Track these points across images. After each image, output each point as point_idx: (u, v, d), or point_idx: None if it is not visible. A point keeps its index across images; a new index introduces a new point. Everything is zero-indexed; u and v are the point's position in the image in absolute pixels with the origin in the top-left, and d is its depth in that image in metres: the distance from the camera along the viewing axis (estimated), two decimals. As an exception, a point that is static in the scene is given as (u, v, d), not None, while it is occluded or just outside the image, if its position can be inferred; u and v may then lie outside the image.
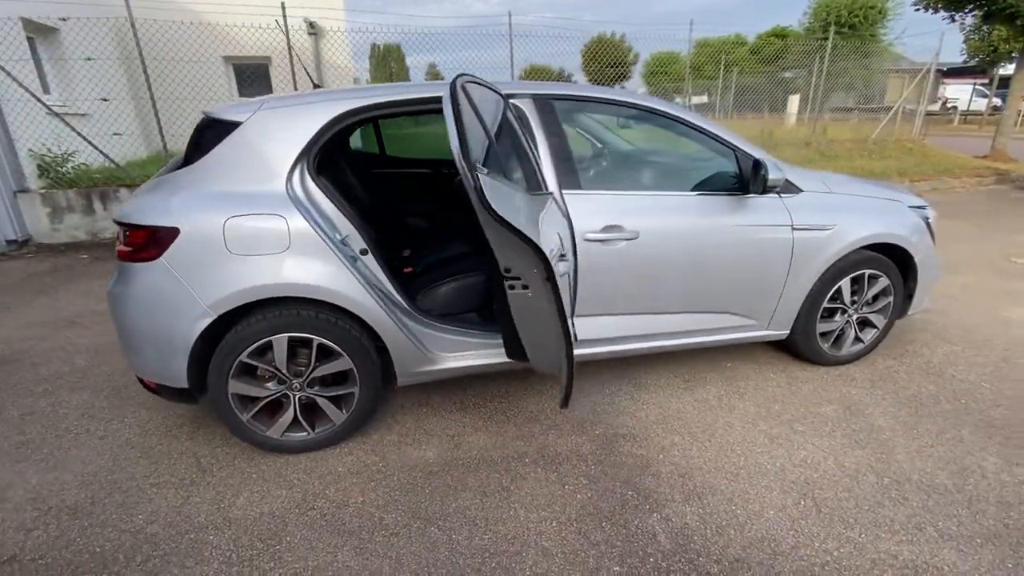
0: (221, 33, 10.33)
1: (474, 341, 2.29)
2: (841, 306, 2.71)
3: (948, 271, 4.38)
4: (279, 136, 1.99)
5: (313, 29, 10.73)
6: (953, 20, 10.94)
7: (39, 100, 5.68)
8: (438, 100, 1.91)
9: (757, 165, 2.26)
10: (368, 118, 2.22)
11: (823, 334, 2.75)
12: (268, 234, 1.93)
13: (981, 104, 23.20)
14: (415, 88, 2.20)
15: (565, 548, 1.74)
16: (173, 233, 1.88)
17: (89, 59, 6.10)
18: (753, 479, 2.03)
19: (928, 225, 2.77)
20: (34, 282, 4.61)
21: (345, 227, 2.10)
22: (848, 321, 2.78)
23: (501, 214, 1.23)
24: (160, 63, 7.78)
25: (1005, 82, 13.77)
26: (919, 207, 2.82)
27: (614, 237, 2.23)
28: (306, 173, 2.03)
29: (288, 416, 2.14)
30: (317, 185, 2.06)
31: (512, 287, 1.46)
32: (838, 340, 2.81)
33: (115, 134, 6.19)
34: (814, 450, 2.19)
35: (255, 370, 2.09)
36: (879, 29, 27.21)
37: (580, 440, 2.29)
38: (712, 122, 2.50)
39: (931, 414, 2.41)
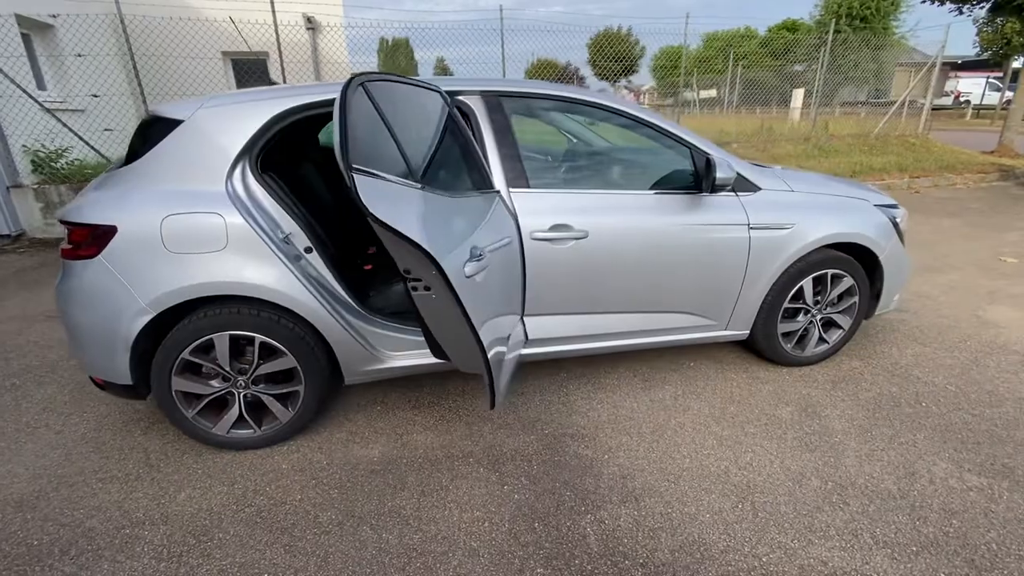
0: (219, 29, 10.37)
1: (421, 340, 2.29)
2: (804, 306, 2.67)
3: (933, 269, 4.31)
4: (219, 134, 1.99)
5: (311, 24, 10.74)
6: (960, 12, 10.69)
7: (31, 96, 5.73)
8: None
9: (708, 163, 2.22)
10: (316, 115, 2.21)
11: (786, 334, 2.71)
12: (205, 232, 1.93)
13: (995, 98, 22.70)
14: None
15: (493, 549, 1.73)
16: (111, 231, 1.89)
17: (80, 55, 6.15)
18: (694, 481, 2.01)
19: (895, 225, 2.71)
20: (21, 276, 4.67)
21: (289, 225, 2.10)
22: (812, 322, 2.73)
23: (379, 214, 1.22)
24: (160, 59, 7.84)
25: (1019, 75, 13.45)
26: (887, 206, 2.77)
27: (562, 236, 2.21)
28: (248, 171, 2.03)
29: (233, 414, 2.15)
30: (260, 183, 2.05)
31: (415, 288, 1.45)
32: (802, 340, 2.76)
33: (106, 129, 6.25)
34: (762, 453, 2.16)
35: (200, 367, 2.10)
36: (891, 22, 26.73)
37: (528, 439, 2.28)
38: (668, 120, 2.47)
39: (888, 417, 2.37)
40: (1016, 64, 16.92)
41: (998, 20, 12.03)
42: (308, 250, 2.14)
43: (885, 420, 2.35)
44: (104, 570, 1.69)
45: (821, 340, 2.78)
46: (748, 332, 2.66)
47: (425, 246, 1.26)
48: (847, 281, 2.66)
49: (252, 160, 2.04)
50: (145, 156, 1.99)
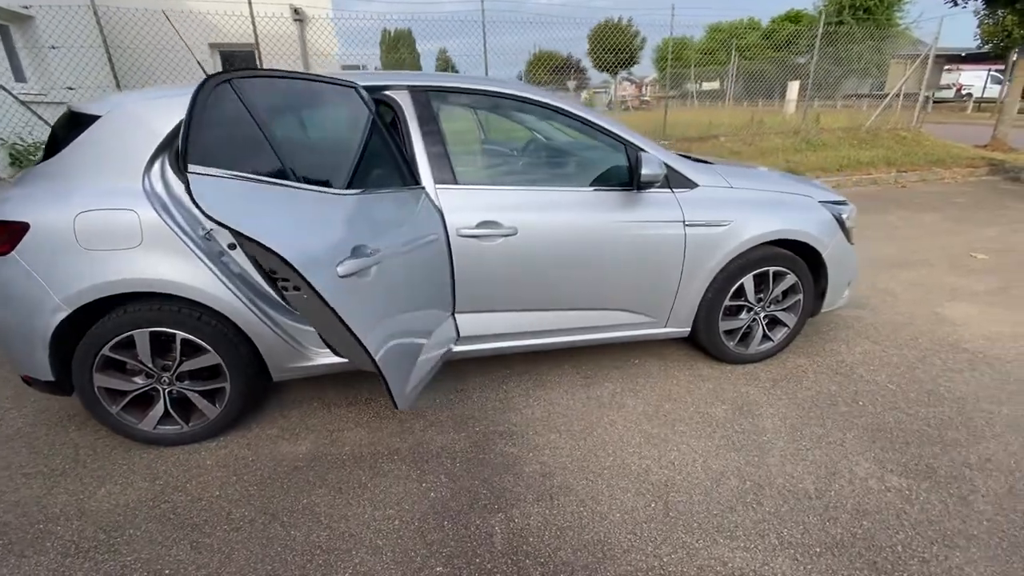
0: (206, 20, 10.33)
1: None
2: (746, 304, 2.65)
3: (901, 265, 4.28)
4: (136, 130, 1.98)
5: (298, 15, 10.68)
6: (955, 4, 10.53)
7: (4, 89, 5.73)
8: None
9: (637, 160, 2.20)
10: None
11: (728, 332, 2.69)
12: (119, 229, 1.92)
13: (996, 91, 22.41)
14: None
15: (397, 547, 1.73)
16: (23, 227, 1.88)
17: (54, 47, 6.13)
18: (613, 480, 2.00)
19: (840, 221, 2.68)
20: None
21: (210, 222, 2.08)
22: (755, 319, 2.71)
23: (219, 215, 1.20)
24: (146, 50, 7.81)
25: (1014, 69, 13.25)
26: (834, 202, 2.73)
27: (490, 233, 2.19)
28: (167, 167, 2.02)
29: (159, 410, 2.15)
30: (180, 179, 2.04)
31: (285, 288, 1.44)
32: (745, 338, 2.74)
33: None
34: (687, 451, 2.15)
35: (124, 364, 2.10)
36: (895, 13, 26.38)
37: (457, 437, 2.27)
38: (604, 116, 2.44)
39: (822, 416, 2.35)
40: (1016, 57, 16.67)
41: (998, 12, 11.85)
42: (232, 246, 2.13)
43: (818, 419, 2.33)
44: (10, 564, 1.70)
45: (765, 338, 2.76)
46: (689, 330, 2.64)
47: (272, 246, 1.24)
48: (790, 279, 2.63)
49: (172, 156, 2.02)
50: (61, 152, 1.98)
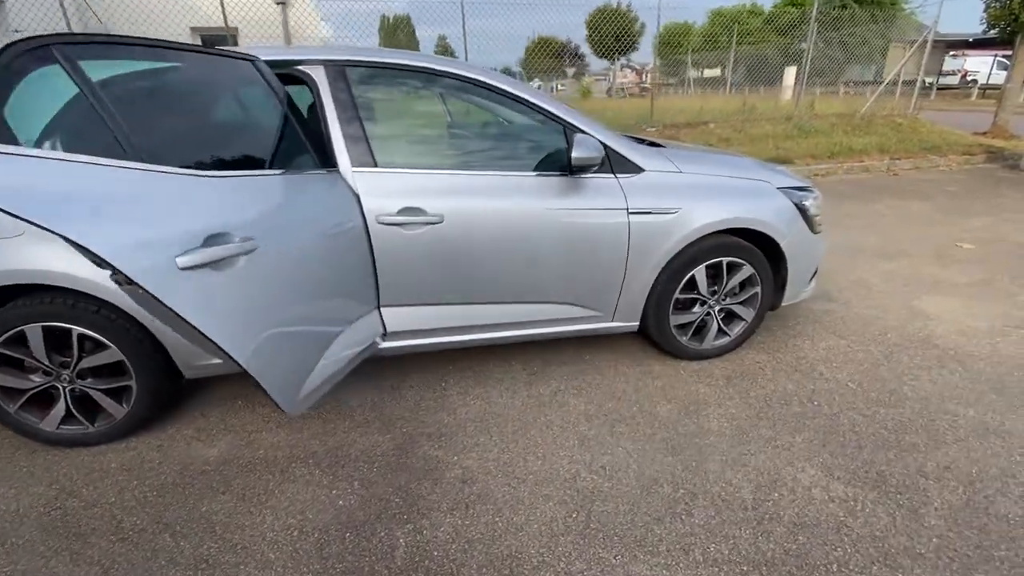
0: (187, 3, 10.10)
1: None
2: (699, 297, 2.49)
3: (882, 255, 4.10)
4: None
5: (280, -1, 10.44)
6: (957, -15, 10.18)
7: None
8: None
9: (569, 142, 2.03)
10: None
11: (681, 326, 2.54)
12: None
13: (1002, 77, 21.93)
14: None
15: (289, 561, 1.60)
16: None
17: (17, 31, 5.96)
18: (538, 487, 1.86)
19: (802, 209, 2.50)
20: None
21: None
22: (709, 313, 2.55)
23: (7, 207, 1.05)
24: (122, 31, 7.62)
25: (1016, 54, 12.92)
26: (796, 188, 2.56)
27: (413, 221, 2.04)
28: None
29: (60, 409, 2.02)
30: None
31: (118, 283, 1.29)
32: (700, 333, 2.59)
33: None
34: (622, 455, 2.01)
35: (21, 361, 1.96)
36: (901, -4, 25.80)
37: (381, 439, 2.14)
38: (542, 95, 2.27)
39: (773, 417, 2.20)
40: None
41: (1004, -4, 11.49)
42: None
43: (768, 421, 2.18)
44: None
45: (721, 333, 2.60)
46: (637, 324, 2.49)
47: (73, 236, 1.09)
48: (746, 270, 2.47)
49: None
50: None
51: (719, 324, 2.58)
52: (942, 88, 22.34)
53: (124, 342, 1.96)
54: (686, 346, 2.57)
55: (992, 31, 15.87)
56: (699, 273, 2.41)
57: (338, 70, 2.03)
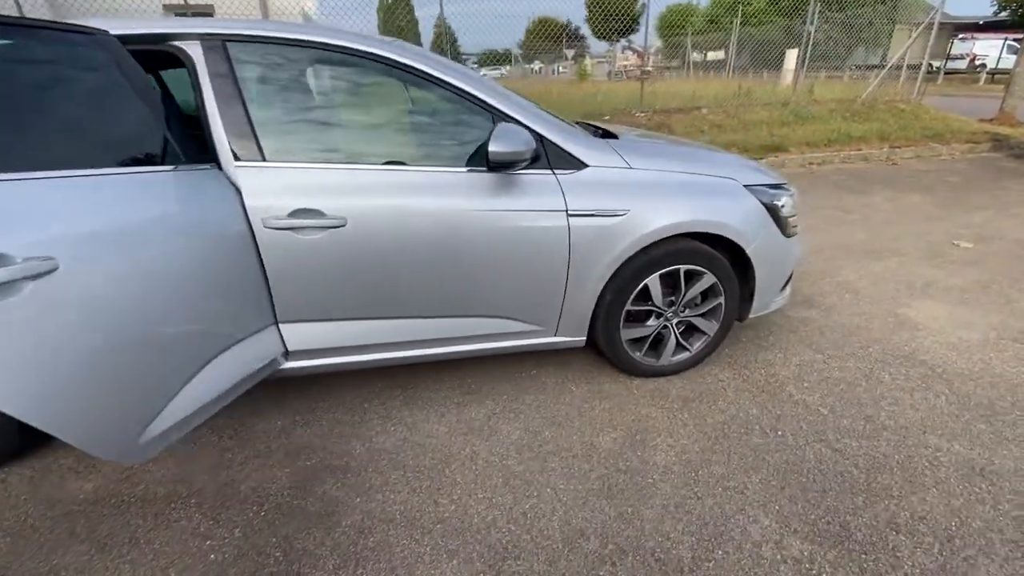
0: (159, -20, 9.66)
1: None
2: (654, 308, 2.21)
3: (872, 255, 3.81)
4: None
5: (259, -24, 9.97)
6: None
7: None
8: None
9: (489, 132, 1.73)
10: None
11: (634, 341, 2.26)
12: None
13: (1011, 61, 21.31)
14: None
15: (131, 637, 1.35)
16: None
17: (-41, 6, 5.59)
18: (444, 539, 1.60)
19: (773, 210, 2.20)
20: None
21: None
22: (666, 326, 2.27)
23: None
24: (95, 13, 7.24)
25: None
26: (768, 186, 2.26)
27: (309, 224, 1.75)
28: None
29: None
30: None
31: None
32: (656, 348, 2.31)
33: None
34: (549, 498, 1.74)
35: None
36: (910, -23, 25.01)
37: (279, 474, 1.87)
38: (475, 77, 1.96)
39: (728, 450, 1.93)
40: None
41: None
42: None
43: (722, 454, 1.91)
44: None
45: (680, 347, 2.33)
46: (584, 339, 2.21)
47: None
48: (707, 278, 2.18)
49: None
50: None
51: (678, 338, 2.30)
52: (949, 72, 21.71)
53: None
54: (640, 362, 2.30)
55: (1003, 13, 15.22)
56: (653, 282, 2.12)
57: (217, 45, 1.72)
